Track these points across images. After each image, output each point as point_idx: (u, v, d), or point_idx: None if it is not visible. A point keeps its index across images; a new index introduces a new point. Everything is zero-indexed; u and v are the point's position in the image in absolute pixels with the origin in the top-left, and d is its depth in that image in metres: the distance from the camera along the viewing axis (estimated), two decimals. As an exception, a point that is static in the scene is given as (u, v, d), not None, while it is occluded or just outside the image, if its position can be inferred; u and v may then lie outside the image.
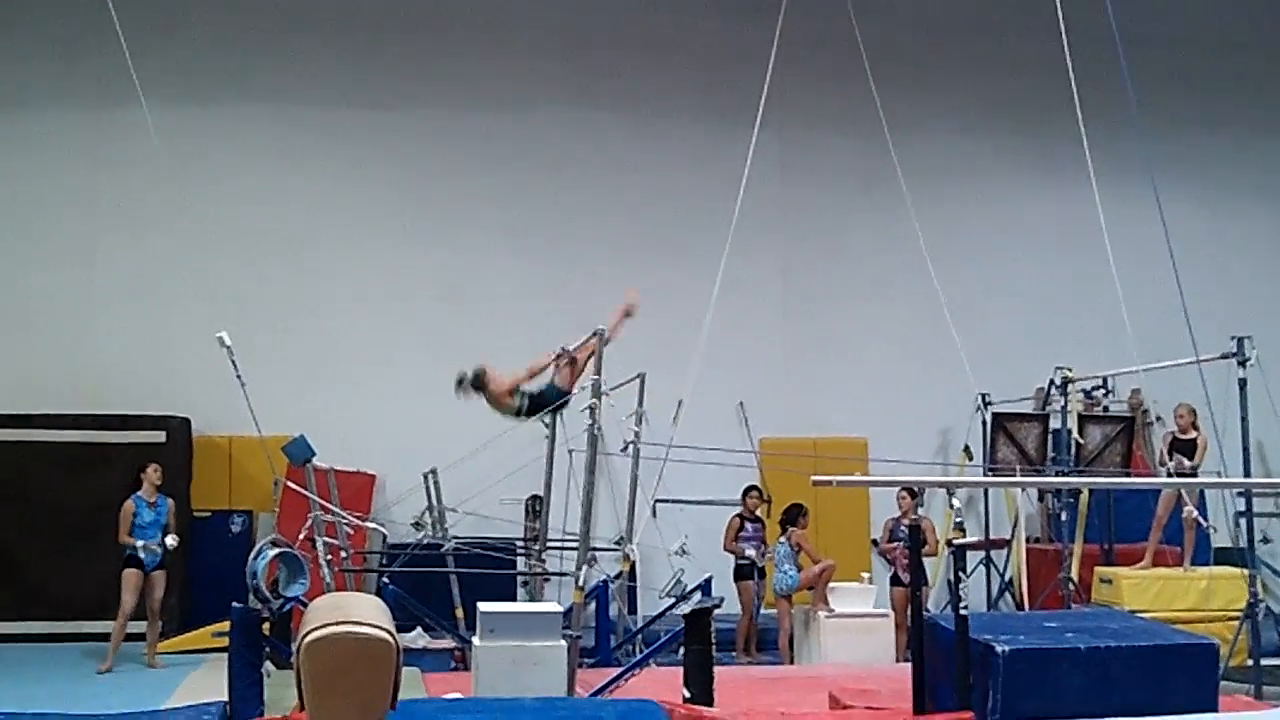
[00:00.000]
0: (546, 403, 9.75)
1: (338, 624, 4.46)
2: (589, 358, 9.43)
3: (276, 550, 8.52)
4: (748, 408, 15.19)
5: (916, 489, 12.35)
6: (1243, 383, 11.03)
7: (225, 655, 8.32)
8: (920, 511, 12.52)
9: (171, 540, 11.57)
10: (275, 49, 14.94)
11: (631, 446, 11.37)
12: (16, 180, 14.41)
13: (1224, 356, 10.99)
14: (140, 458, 12.07)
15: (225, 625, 8.68)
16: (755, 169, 11.28)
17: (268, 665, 8.17)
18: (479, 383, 9.63)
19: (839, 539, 13.98)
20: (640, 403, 11.55)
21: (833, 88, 15.06)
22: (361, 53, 15.12)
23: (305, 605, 7.63)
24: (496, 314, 14.93)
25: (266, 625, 8.39)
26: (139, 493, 11.59)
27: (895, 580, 12.38)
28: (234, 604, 8.26)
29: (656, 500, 12.22)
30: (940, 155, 15.86)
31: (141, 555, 11.41)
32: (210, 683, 10.14)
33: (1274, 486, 14.63)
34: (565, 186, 15.45)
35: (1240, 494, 12.58)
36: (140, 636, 11.69)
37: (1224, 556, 12.47)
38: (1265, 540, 14.37)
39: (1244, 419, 11.09)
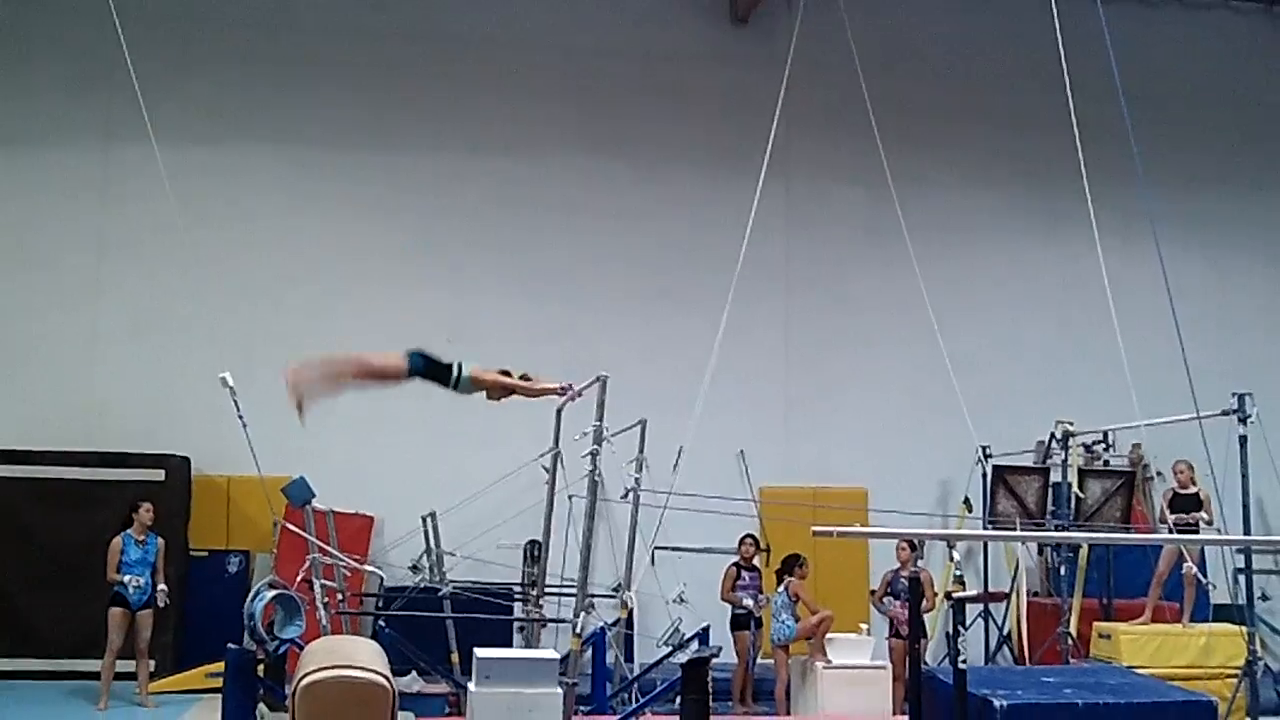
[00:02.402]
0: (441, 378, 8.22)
1: (333, 668, 4.45)
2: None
3: (274, 592, 8.50)
4: (748, 456, 15.16)
5: (916, 541, 12.33)
6: (1243, 439, 11.02)
7: (219, 696, 8.30)
8: (920, 563, 12.49)
9: (162, 592, 11.55)
10: (286, 91, 15.04)
11: (631, 493, 11.36)
12: (23, 215, 14.46)
13: (1225, 413, 10.99)
14: (138, 496, 12.06)
15: (219, 666, 8.66)
16: (760, 218, 11.35)
17: (261, 707, 8.15)
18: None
19: (837, 589, 13.91)
20: (641, 449, 11.57)
21: (839, 139, 15.17)
22: (372, 96, 15.21)
23: (301, 647, 7.62)
24: (500, 357, 14.81)
25: (261, 667, 8.37)
26: (129, 530, 11.57)
27: (895, 632, 12.33)
28: (229, 645, 8.25)
29: (655, 547, 12.20)
30: (945, 208, 15.94)
31: (130, 593, 11.38)
32: (203, 724, 10.11)
33: (1273, 544, 14.58)
34: (571, 232, 15.51)
35: (1240, 551, 12.53)
36: (133, 675, 11.65)
37: (1223, 613, 12.41)
38: (1264, 598, 14.32)
39: (1244, 476, 11.08)
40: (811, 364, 15.74)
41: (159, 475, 13.35)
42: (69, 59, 14.49)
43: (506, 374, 8.33)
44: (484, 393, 8.22)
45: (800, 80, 11.93)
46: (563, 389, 9.02)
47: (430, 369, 7.93)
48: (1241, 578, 11.94)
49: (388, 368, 7.96)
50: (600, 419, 9.12)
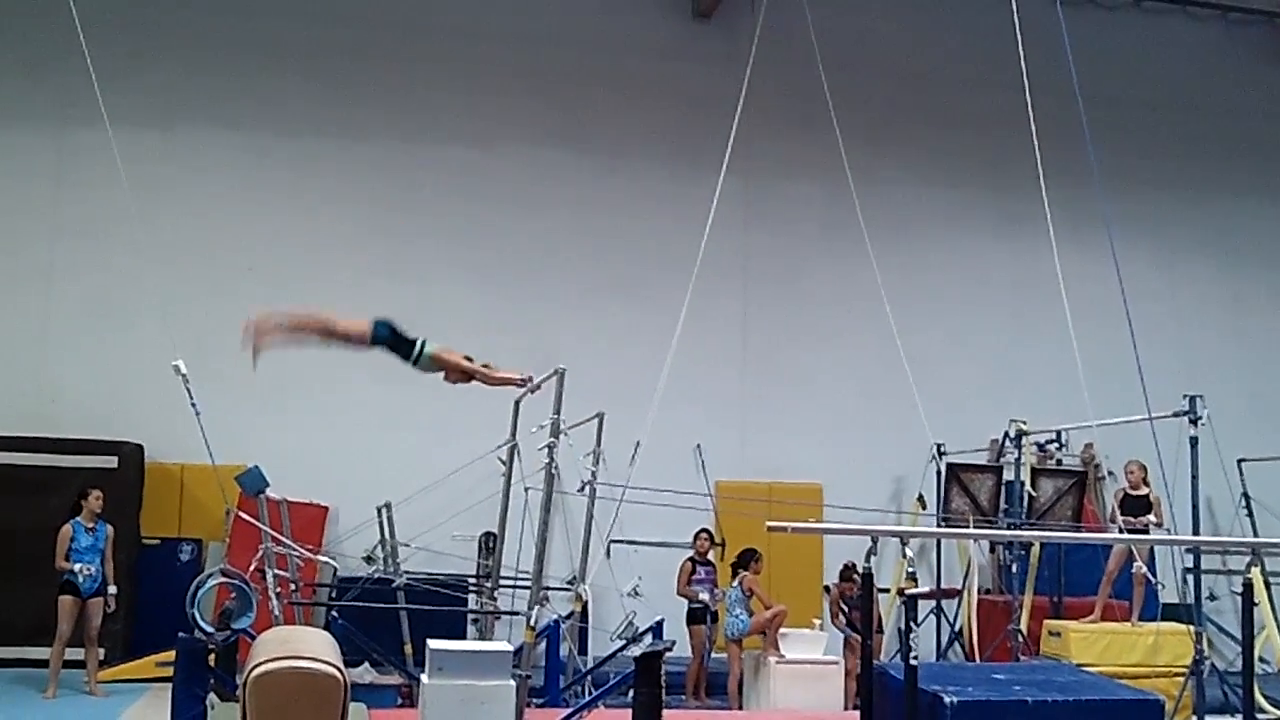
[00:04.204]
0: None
1: (285, 658, 4.43)
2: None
3: (220, 580, 8.44)
4: (705, 450, 15.19)
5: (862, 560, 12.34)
6: (1194, 440, 11.14)
7: (169, 686, 8.24)
8: (873, 561, 12.53)
9: (112, 595, 11.50)
10: (243, 78, 14.91)
11: (588, 486, 11.35)
12: (-24, 198, 14.28)
13: (1176, 414, 11.11)
14: (90, 483, 11.94)
15: (170, 655, 8.58)
16: (719, 213, 11.35)
17: (212, 697, 8.09)
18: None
19: (792, 585, 13.97)
20: (598, 442, 11.57)
21: (799, 136, 15.21)
22: (331, 84, 15.11)
23: (252, 637, 7.57)
24: (457, 348, 14.86)
25: (212, 657, 8.31)
26: (78, 518, 11.46)
27: (852, 627, 12.38)
28: (180, 634, 8.18)
29: (611, 541, 12.19)
30: (902, 206, 16.03)
31: (80, 581, 11.29)
32: (153, 713, 10.05)
33: (1221, 544, 14.76)
34: (530, 224, 15.49)
35: (1188, 551, 12.68)
36: (82, 663, 11.54)
37: (1171, 612, 12.55)
38: (1212, 597, 14.48)
39: (1194, 476, 11.21)
40: (769, 359, 15.80)
41: (112, 462, 13.23)
42: (23, 42, 14.31)
43: (469, 360, 8.26)
44: (443, 373, 8.18)
45: (761, 77, 11.93)
46: (522, 380, 9.01)
47: (394, 341, 7.84)
48: (1190, 577, 12.09)
49: (351, 331, 7.76)
50: (558, 411, 9.11)
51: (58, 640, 11.29)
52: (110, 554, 11.60)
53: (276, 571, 10.32)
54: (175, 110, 14.68)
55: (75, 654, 11.47)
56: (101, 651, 11.77)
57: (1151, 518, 11.95)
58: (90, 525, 11.49)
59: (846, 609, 12.54)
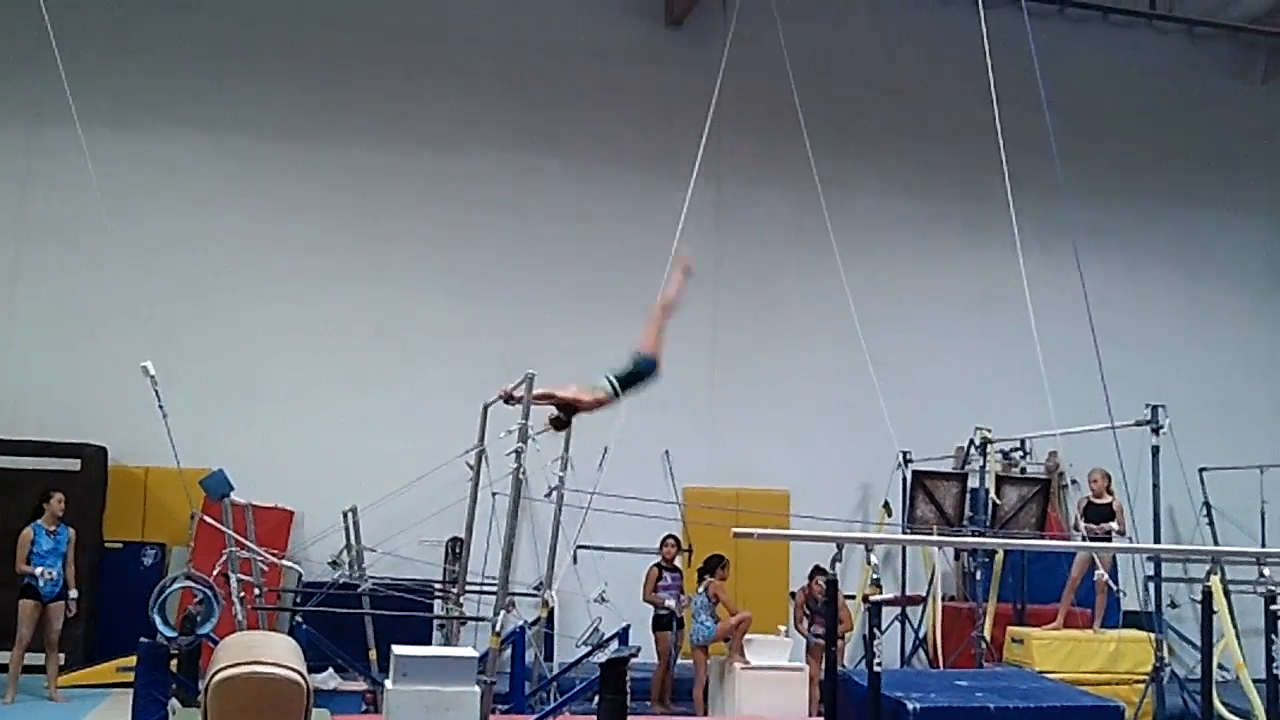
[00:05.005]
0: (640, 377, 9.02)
1: (247, 663, 4.42)
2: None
3: (185, 584, 8.40)
4: (673, 457, 15.21)
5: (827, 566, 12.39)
6: (1155, 449, 11.26)
7: (130, 690, 8.19)
8: (838, 567, 12.57)
9: (73, 597, 11.44)
10: (214, 79, 14.82)
11: (555, 492, 11.35)
12: (-61, 197, 14.14)
13: (1138, 423, 11.22)
14: (53, 485, 11.82)
15: (131, 660, 8.53)
16: (691, 219, 11.40)
17: (173, 702, 8.04)
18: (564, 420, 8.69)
19: (758, 591, 14.00)
20: (566, 448, 11.56)
21: (770, 144, 15.27)
22: (303, 87, 15.03)
23: (215, 642, 7.53)
24: (426, 353, 14.87)
25: (174, 661, 8.27)
26: (39, 521, 11.37)
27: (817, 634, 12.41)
28: (141, 639, 8.14)
29: (578, 546, 12.20)
30: (871, 214, 16.10)
31: (41, 585, 11.20)
32: (114, 718, 9.95)
33: (1182, 552, 14.89)
34: (501, 228, 15.47)
35: (1150, 559, 12.80)
36: (42, 668, 11.43)
37: (1132, 620, 12.67)
38: (1173, 605, 14.62)
39: (1155, 485, 11.32)
40: (737, 366, 15.83)
41: (74, 465, 13.12)
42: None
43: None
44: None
45: (733, 84, 12.00)
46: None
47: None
48: (1151, 585, 12.19)
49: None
50: (526, 416, 9.10)
51: (17, 645, 11.18)
52: (72, 558, 11.50)
53: (241, 576, 10.26)
54: (146, 111, 14.56)
55: (35, 659, 11.35)
56: (62, 656, 11.65)
57: (1114, 526, 12.05)
58: (52, 528, 11.39)
59: (810, 612, 12.57)
